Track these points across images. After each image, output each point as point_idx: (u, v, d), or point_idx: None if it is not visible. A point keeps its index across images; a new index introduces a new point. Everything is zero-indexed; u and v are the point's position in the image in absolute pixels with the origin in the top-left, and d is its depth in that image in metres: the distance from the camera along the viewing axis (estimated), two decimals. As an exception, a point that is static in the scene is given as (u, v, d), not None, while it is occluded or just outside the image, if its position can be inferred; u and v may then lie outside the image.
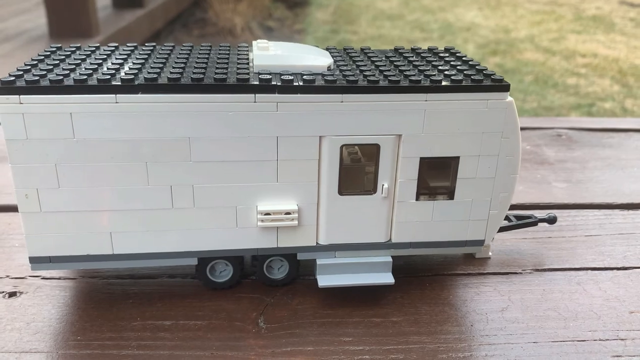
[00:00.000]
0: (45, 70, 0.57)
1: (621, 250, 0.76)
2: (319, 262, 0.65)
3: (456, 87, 0.59)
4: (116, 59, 0.62)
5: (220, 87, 0.56)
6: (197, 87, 0.56)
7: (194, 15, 4.91)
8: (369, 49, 0.71)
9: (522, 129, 0.63)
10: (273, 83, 0.57)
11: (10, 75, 0.55)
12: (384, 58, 0.67)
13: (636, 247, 0.77)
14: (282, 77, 0.57)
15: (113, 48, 0.66)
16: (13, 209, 0.83)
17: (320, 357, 0.57)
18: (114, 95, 0.55)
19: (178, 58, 0.62)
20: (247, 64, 0.61)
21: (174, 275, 0.69)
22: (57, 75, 0.55)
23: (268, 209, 0.61)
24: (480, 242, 0.67)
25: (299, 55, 0.62)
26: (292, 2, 5.46)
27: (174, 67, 0.59)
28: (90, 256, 0.61)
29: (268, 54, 0.61)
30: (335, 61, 0.64)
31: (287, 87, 0.57)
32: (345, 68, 0.62)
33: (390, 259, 0.65)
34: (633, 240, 0.79)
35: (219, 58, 0.63)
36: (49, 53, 0.63)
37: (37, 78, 0.54)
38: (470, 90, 0.59)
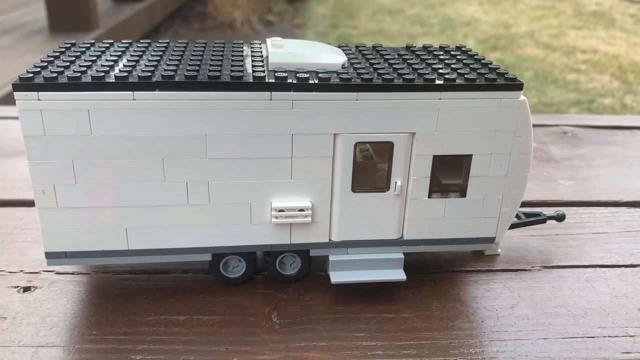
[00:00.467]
0: (62, 67, 0.57)
1: (629, 248, 0.77)
2: (331, 258, 0.65)
3: (470, 86, 0.59)
4: (131, 55, 0.62)
5: (236, 84, 0.56)
6: (214, 84, 0.56)
7: (193, 9, 4.90)
8: (381, 46, 0.71)
9: (530, 126, 0.64)
10: (289, 81, 0.57)
11: (28, 72, 0.55)
12: (396, 56, 0.67)
13: (643, 245, 0.78)
14: (297, 75, 0.58)
15: (127, 44, 0.66)
16: (25, 203, 0.83)
17: (334, 353, 0.58)
18: (131, 92, 0.55)
19: (193, 55, 0.63)
20: (262, 61, 0.62)
21: (186, 271, 0.70)
22: (75, 72, 0.55)
23: (282, 205, 0.62)
24: (491, 240, 0.68)
25: (314, 53, 0.62)
26: (292, -4, 5.45)
27: (189, 65, 0.59)
28: (106, 252, 0.62)
29: (283, 51, 0.62)
30: (348, 59, 0.65)
31: (302, 85, 0.57)
32: (359, 66, 0.62)
33: (402, 256, 0.66)
34: (640, 238, 0.79)
35: (233, 55, 0.64)
36: (64, 49, 0.64)
37: (55, 75, 0.54)
38: (484, 89, 0.59)
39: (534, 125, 0.64)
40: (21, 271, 0.69)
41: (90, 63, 0.58)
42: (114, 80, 0.55)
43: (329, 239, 0.65)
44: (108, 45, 0.66)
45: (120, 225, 0.61)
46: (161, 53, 0.63)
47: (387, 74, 0.60)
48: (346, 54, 0.66)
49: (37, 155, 0.57)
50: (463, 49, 0.71)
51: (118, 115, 0.56)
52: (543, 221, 0.76)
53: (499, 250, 0.75)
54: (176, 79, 0.56)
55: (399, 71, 0.61)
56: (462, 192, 0.64)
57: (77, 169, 0.58)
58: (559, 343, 0.60)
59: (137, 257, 0.63)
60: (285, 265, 0.67)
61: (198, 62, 0.60)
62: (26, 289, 0.66)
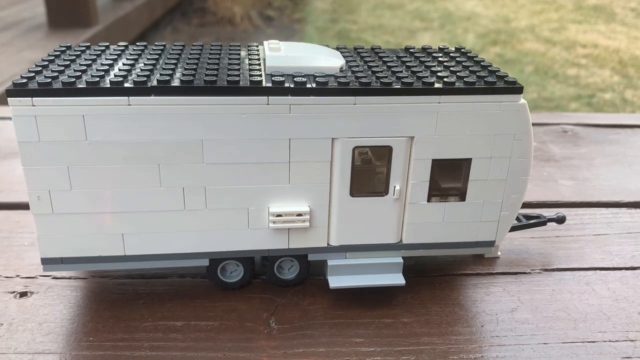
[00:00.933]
0: (56, 71, 0.56)
1: (629, 250, 0.76)
2: (330, 263, 0.65)
3: (469, 89, 0.59)
4: (127, 59, 0.61)
5: (233, 89, 0.56)
6: (210, 89, 0.55)
7: (193, 5, 4.88)
8: (380, 48, 0.71)
9: (528, 126, 0.63)
10: (286, 85, 0.56)
11: (22, 77, 0.55)
12: (395, 58, 0.67)
13: (644, 247, 0.77)
14: (294, 79, 0.57)
15: (123, 48, 0.66)
16: (22, 206, 0.83)
17: (333, 359, 0.58)
18: (126, 97, 0.55)
19: (189, 59, 0.62)
20: (259, 65, 0.61)
21: (184, 275, 0.69)
22: (69, 77, 0.55)
23: (280, 210, 0.61)
24: (491, 243, 0.67)
25: (311, 56, 0.62)
26: (292, -9, 5.42)
27: (185, 69, 0.58)
28: (102, 257, 0.61)
29: (280, 55, 0.61)
30: (347, 62, 0.64)
31: (300, 90, 0.57)
32: (357, 69, 0.61)
33: (401, 260, 0.66)
34: (641, 240, 0.79)
35: (230, 59, 0.63)
36: (58, 53, 0.63)
37: (49, 80, 0.54)
38: (484, 92, 0.59)
39: (533, 124, 0.63)
40: (17, 276, 0.68)
41: (85, 67, 0.58)
42: (109, 86, 0.54)
43: (328, 244, 0.64)
44: (103, 48, 0.65)
45: (117, 230, 0.60)
46: (157, 57, 0.63)
47: (386, 77, 0.59)
48: (344, 57, 0.66)
49: (32, 161, 0.56)
50: (462, 50, 0.70)
51: (113, 121, 0.55)
52: (543, 223, 0.76)
53: (499, 253, 0.74)
54: (172, 83, 0.55)
55: (397, 74, 0.60)
56: (462, 196, 0.64)
57: (73, 174, 0.57)
58: (559, 348, 0.60)
59: (133, 262, 0.62)
60: (284, 269, 0.67)
61: (194, 66, 0.59)
62: (23, 294, 0.65)
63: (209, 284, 0.67)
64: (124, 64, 0.59)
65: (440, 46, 0.72)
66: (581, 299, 0.67)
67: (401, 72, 0.61)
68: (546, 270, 0.72)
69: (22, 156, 0.56)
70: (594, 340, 0.61)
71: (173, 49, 0.66)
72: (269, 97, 0.56)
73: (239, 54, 0.65)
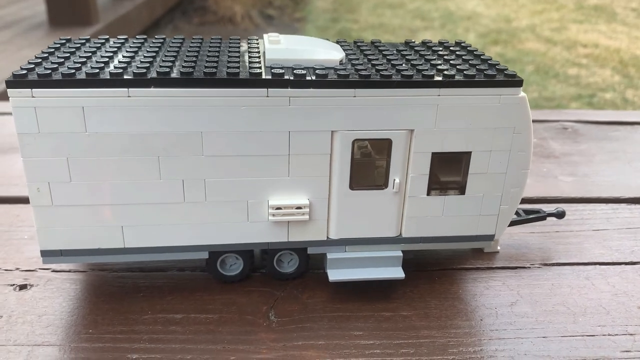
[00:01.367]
0: (56, 63, 0.56)
1: (629, 245, 0.76)
2: (329, 256, 0.65)
3: (469, 82, 0.59)
4: (127, 52, 0.61)
5: (233, 81, 0.56)
6: (210, 81, 0.55)
7: (193, 3, 4.88)
8: (380, 42, 0.70)
9: (530, 122, 0.63)
10: (286, 77, 0.56)
11: (22, 69, 0.55)
12: (395, 52, 0.67)
13: (644, 242, 0.77)
14: (294, 71, 0.57)
15: (123, 40, 0.66)
16: (21, 200, 0.83)
17: (332, 352, 0.58)
18: (126, 89, 0.54)
19: (189, 51, 0.62)
20: (259, 57, 0.61)
21: (183, 269, 0.69)
22: (69, 68, 0.55)
23: (279, 203, 0.61)
24: (490, 237, 0.67)
25: (311, 49, 0.62)
26: (292, -10, 5.42)
27: (185, 61, 0.58)
28: (102, 250, 0.61)
29: (280, 47, 0.61)
30: (346, 55, 0.64)
31: (299, 82, 0.56)
32: (357, 62, 0.61)
33: (401, 254, 0.66)
34: (640, 235, 0.79)
35: (230, 52, 0.63)
36: (58, 45, 0.63)
37: (49, 72, 0.54)
38: (484, 85, 0.59)
39: (534, 121, 0.63)
40: (17, 269, 0.68)
41: (85, 59, 0.58)
42: (108, 77, 0.54)
43: (327, 237, 0.64)
44: (103, 41, 0.65)
45: (116, 223, 0.60)
46: (157, 49, 0.63)
47: (386, 70, 0.59)
48: (344, 50, 0.66)
49: (31, 152, 0.56)
50: (462, 44, 0.70)
51: (113, 112, 0.55)
52: (543, 218, 0.76)
53: (499, 248, 0.74)
54: (172, 75, 0.55)
55: (397, 67, 0.60)
56: (461, 190, 0.64)
57: (72, 166, 0.57)
58: (559, 341, 0.60)
59: (133, 255, 0.62)
60: (283, 263, 0.67)
61: (194, 59, 0.59)
62: (22, 287, 0.65)
63: (209, 278, 0.67)
64: (123, 56, 0.59)
65: (441, 40, 0.72)
66: (581, 293, 0.67)
67: (401, 65, 0.61)
68: (546, 264, 0.72)
69: (21, 148, 0.56)
70: (594, 334, 0.61)
71: (173, 42, 0.66)
72: (269, 89, 0.56)
73: (239, 47, 0.65)
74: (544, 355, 0.58)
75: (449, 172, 0.63)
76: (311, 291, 0.66)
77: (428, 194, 0.63)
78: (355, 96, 0.58)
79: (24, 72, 0.54)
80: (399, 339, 0.60)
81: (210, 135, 0.57)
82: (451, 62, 0.63)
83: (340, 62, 0.61)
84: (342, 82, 0.57)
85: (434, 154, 0.61)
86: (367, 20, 4.55)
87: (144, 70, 0.55)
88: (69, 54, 0.60)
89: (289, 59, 0.60)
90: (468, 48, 0.69)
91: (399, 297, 0.66)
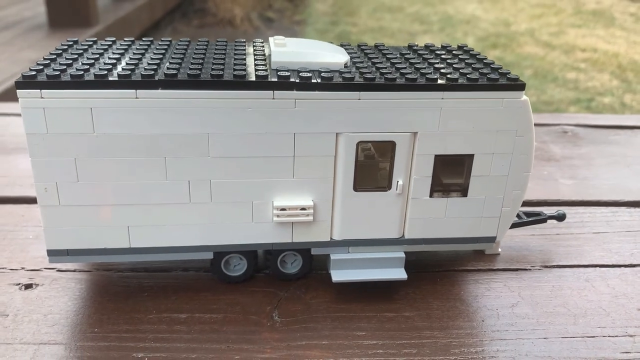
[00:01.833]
0: (65, 64, 0.57)
1: (628, 248, 0.77)
2: (332, 257, 0.65)
3: (472, 86, 0.59)
4: (134, 53, 0.62)
5: (239, 83, 0.56)
6: (217, 83, 0.56)
7: (193, 5, 4.89)
8: (383, 45, 0.71)
9: (530, 126, 0.64)
10: (291, 80, 0.57)
11: (31, 70, 0.55)
12: (399, 55, 0.67)
13: (643, 245, 0.78)
14: (300, 74, 0.58)
15: (130, 42, 0.67)
16: (27, 200, 0.83)
17: (335, 352, 0.58)
18: (134, 90, 0.55)
19: (195, 54, 0.63)
20: (265, 60, 0.62)
21: (187, 269, 0.70)
22: (77, 70, 0.55)
23: (284, 204, 0.62)
24: (492, 239, 0.68)
25: (316, 52, 0.62)
26: (292, -7, 5.44)
27: (192, 63, 0.59)
28: (108, 250, 0.62)
29: (285, 50, 0.62)
30: (351, 58, 0.65)
31: (305, 84, 0.57)
32: (361, 65, 0.62)
33: (403, 255, 0.66)
34: (640, 238, 0.80)
35: (236, 54, 0.64)
36: (66, 47, 0.64)
37: (57, 73, 0.54)
38: (487, 88, 0.60)
39: (534, 125, 0.64)
40: (23, 268, 0.69)
41: (93, 61, 0.58)
42: (117, 79, 0.55)
43: (331, 238, 0.65)
44: (110, 42, 0.66)
45: (122, 223, 0.61)
46: (164, 51, 0.63)
47: (390, 73, 0.60)
48: (348, 53, 0.66)
49: (39, 153, 0.57)
50: (465, 48, 0.71)
51: (121, 114, 0.56)
52: (544, 221, 0.76)
53: (500, 250, 0.75)
54: (179, 77, 0.56)
55: (401, 70, 0.61)
56: (464, 192, 0.64)
57: (80, 167, 0.58)
58: (559, 342, 0.60)
59: (138, 255, 0.63)
60: (287, 263, 0.68)
61: (201, 61, 0.60)
62: (28, 286, 0.66)
63: (212, 278, 0.68)
64: (131, 58, 0.60)
65: (443, 44, 0.72)
66: (581, 295, 0.68)
67: (405, 68, 0.61)
68: (546, 266, 0.73)
69: (30, 148, 0.56)
70: (594, 336, 0.61)
71: (179, 45, 0.67)
72: (275, 92, 0.57)
73: (245, 50, 0.66)
74: (545, 356, 0.58)
75: (451, 174, 0.64)
76: (314, 291, 0.67)
77: (431, 196, 0.64)
78: (360, 99, 0.58)
79: (33, 73, 0.55)
80: (401, 339, 0.60)
81: (216, 137, 0.58)
82: (454, 65, 0.63)
83: (345, 65, 0.62)
84: (347, 85, 0.58)
85: (437, 156, 0.62)
86: (367, 23, 4.57)
87: (152, 72, 0.56)
88: (77, 56, 0.60)
89: (294, 61, 0.61)
90: (471, 52, 0.70)
91: (401, 298, 0.66)
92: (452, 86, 0.59)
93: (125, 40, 0.67)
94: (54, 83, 0.54)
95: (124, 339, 0.59)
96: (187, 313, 0.63)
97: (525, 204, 0.86)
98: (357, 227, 0.65)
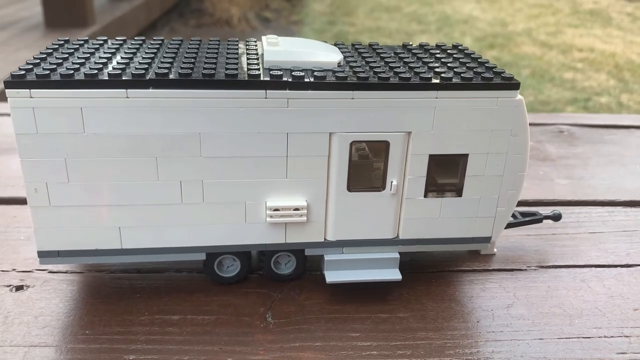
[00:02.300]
0: (55, 64, 0.56)
1: (624, 248, 0.77)
2: (326, 258, 0.65)
3: (467, 85, 0.59)
4: (125, 53, 0.61)
5: (231, 82, 0.56)
6: (209, 82, 0.55)
7: (190, 5, 4.88)
8: (378, 44, 0.71)
9: (525, 125, 0.64)
10: (284, 79, 0.56)
11: (20, 69, 0.55)
12: (393, 54, 0.67)
13: (639, 245, 0.77)
14: (293, 73, 0.57)
15: (121, 42, 0.66)
16: (18, 201, 0.82)
17: (329, 353, 0.58)
18: (124, 90, 0.55)
19: (187, 53, 0.62)
20: (257, 59, 0.61)
21: (180, 270, 0.69)
22: (67, 69, 0.55)
23: (277, 204, 0.61)
24: (487, 240, 0.67)
25: (310, 51, 0.62)
26: (289, -7, 5.43)
27: (184, 62, 0.59)
28: (99, 251, 0.61)
29: (278, 49, 0.61)
30: (345, 57, 0.64)
31: (298, 84, 0.57)
32: (355, 64, 0.62)
33: (398, 255, 0.66)
34: (636, 238, 0.79)
35: (228, 53, 0.63)
36: (57, 46, 0.63)
37: (47, 72, 0.54)
38: (481, 88, 0.59)
39: (530, 124, 0.63)
40: (14, 270, 0.68)
41: (83, 60, 0.58)
42: (107, 78, 0.54)
43: (324, 239, 0.65)
44: (102, 42, 0.66)
45: (114, 223, 0.60)
46: (155, 50, 0.63)
47: (383, 72, 0.59)
48: (342, 52, 0.66)
49: (29, 153, 0.56)
50: (460, 47, 0.71)
51: (111, 113, 0.55)
52: (539, 221, 0.76)
53: (495, 250, 0.75)
54: (170, 76, 0.55)
55: (395, 70, 0.60)
56: (458, 192, 0.64)
57: (70, 167, 0.57)
58: (555, 343, 0.60)
59: (130, 256, 0.62)
60: (280, 264, 0.67)
61: (192, 60, 0.59)
62: (19, 288, 0.65)
63: (205, 279, 0.67)
64: (122, 57, 0.59)
65: (438, 43, 0.72)
66: (577, 295, 0.67)
67: (399, 67, 0.61)
68: (542, 267, 0.72)
69: (19, 148, 0.56)
70: (590, 336, 0.61)
71: (171, 44, 0.66)
72: (267, 91, 0.56)
73: (237, 49, 0.66)
74: (541, 357, 0.58)
75: (446, 174, 0.63)
76: (308, 293, 0.66)
77: (425, 196, 0.63)
78: (353, 98, 0.58)
79: (22, 72, 0.54)
80: (395, 340, 0.60)
81: (208, 137, 0.57)
82: (449, 64, 0.63)
83: (339, 65, 0.61)
84: (340, 84, 0.57)
85: (431, 156, 0.62)
86: (364, 23, 4.56)
87: (143, 72, 0.55)
88: (67, 55, 0.60)
89: (287, 60, 0.60)
90: (465, 51, 0.69)
91: (395, 298, 0.66)
92: (446, 85, 0.58)
93: (116, 40, 0.66)
94: (44, 82, 0.53)
95: (115, 340, 0.58)
96: (179, 315, 0.62)
97: (521, 203, 0.86)
98: (351, 227, 0.64)
